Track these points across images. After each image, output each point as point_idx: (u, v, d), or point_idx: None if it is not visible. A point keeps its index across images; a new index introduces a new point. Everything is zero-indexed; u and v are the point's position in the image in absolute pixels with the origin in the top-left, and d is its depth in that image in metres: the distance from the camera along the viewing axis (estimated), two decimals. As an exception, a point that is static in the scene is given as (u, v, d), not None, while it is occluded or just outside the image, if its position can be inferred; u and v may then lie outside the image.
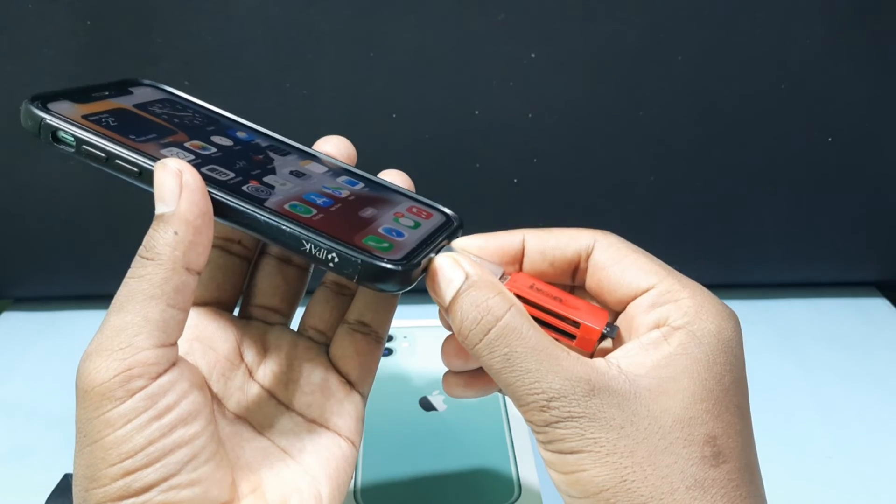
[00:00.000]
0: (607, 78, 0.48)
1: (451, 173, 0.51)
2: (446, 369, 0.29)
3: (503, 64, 0.48)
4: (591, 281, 0.27)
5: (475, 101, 0.49)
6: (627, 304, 0.26)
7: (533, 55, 0.47)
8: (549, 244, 0.27)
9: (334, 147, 0.32)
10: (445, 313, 0.25)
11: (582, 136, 0.50)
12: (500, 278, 0.26)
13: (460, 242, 0.28)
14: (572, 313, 0.26)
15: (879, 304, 0.58)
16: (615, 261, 0.26)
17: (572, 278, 0.28)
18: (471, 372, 0.28)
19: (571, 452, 0.23)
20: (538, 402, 0.23)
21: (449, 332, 0.27)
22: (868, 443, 0.45)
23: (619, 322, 0.26)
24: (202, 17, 0.46)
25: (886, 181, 0.52)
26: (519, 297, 0.26)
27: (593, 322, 0.25)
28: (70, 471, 0.42)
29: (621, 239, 0.27)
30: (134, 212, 0.53)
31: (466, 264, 0.25)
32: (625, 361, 0.24)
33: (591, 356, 0.25)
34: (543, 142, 0.50)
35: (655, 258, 0.26)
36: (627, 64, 0.48)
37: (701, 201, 0.52)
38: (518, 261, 0.27)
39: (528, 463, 0.38)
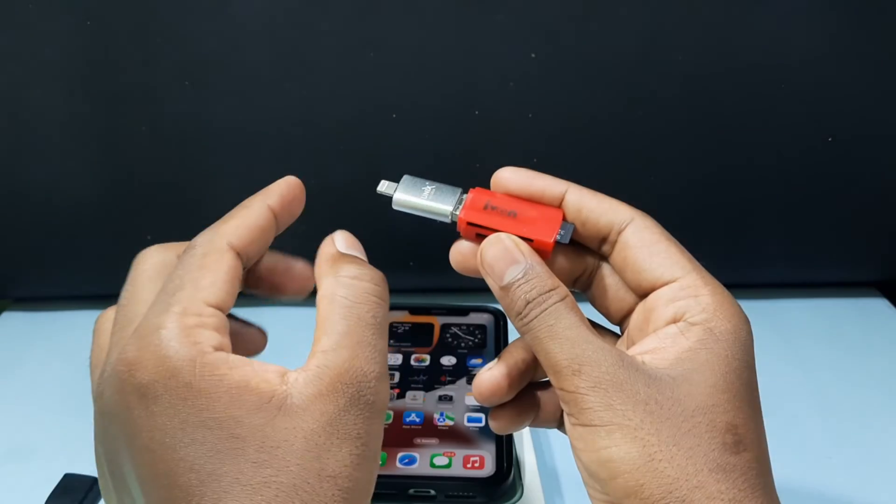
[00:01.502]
0: (607, 78, 0.48)
1: (451, 173, 0.51)
2: None
3: (503, 64, 0.48)
4: (618, 257, 0.27)
5: (475, 101, 0.49)
6: (647, 290, 0.26)
7: (533, 55, 0.47)
8: (588, 205, 0.27)
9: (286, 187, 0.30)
10: (499, 289, 0.26)
11: (582, 136, 0.50)
12: (458, 196, 0.28)
13: (505, 173, 0.28)
14: (523, 230, 0.27)
15: (879, 304, 0.58)
16: (646, 244, 0.27)
17: (599, 246, 0.28)
18: (508, 404, 0.29)
19: (601, 424, 0.23)
20: (571, 366, 0.24)
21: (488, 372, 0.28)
22: (868, 443, 0.45)
23: (639, 310, 0.27)
24: (202, 17, 0.46)
25: (886, 181, 0.52)
26: (471, 223, 0.27)
27: (544, 235, 0.27)
28: (70, 471, 0.42)
29: (658, 224, 0.27)
30: (134, 212, 0.53)
31: (526, 249, 0.26)
32: (648, 357, 0.25)
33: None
34: (543, 142, 0.50)
35: (685, 250, 0.27)
36: (627, 64, 0.48)
37: (700, 201, 0.52)
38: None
39: (529, 463, 0.38)
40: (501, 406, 0.29)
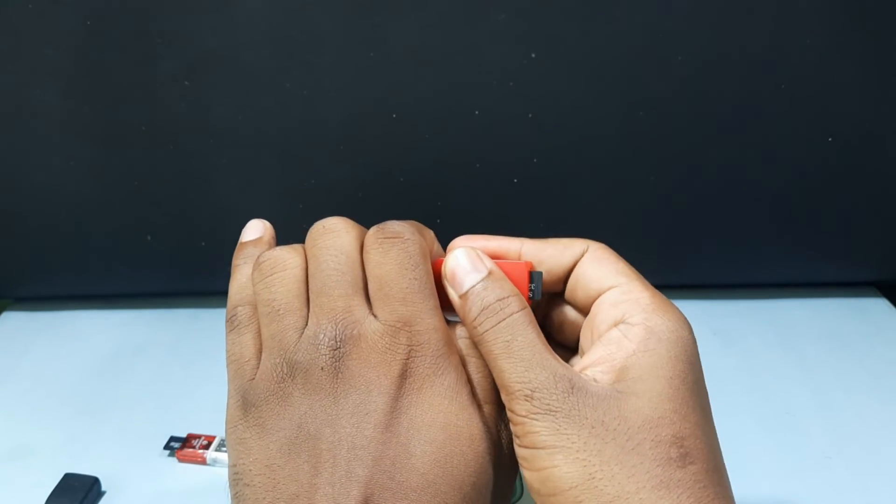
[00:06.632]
0: (607, 78, 0.48)
1: (451, 173, 0.51)
2: None
3: (503, 64, 0.48)
4: (571, 283, 0.28)
5: (475, 101, 0.49)
6: (595, 299, 0.27)
7: (533, 55, 0.47)
8: (545, 253, 0.28)
9: (256, 232, 0.31)
10: (458, 297, 0.27)
11: (582, 136, 0.50)
12: None
13: (461, 242, 0.29)
14: None
15: (879, 304, 0.58)
16: (594, 261, 0.28)
17: (564, 285, 0.29)
18: None
19: (544, 447, 0.24)
20: (524, 391, 0.24)
21: None
22: (867, 443, 0.45)
23: (587, 322, 0.28)
24: (202, 17, 0.46)
25: (886, 181, 0.52)
26: None
27: None
28: (70, 470, 0.42)
29: (611, 249, 0.28)
30: (134, 212, 0.53)
31: (488, 261, 0.27)
32: (598, 371, 0.25)
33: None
34: (543, 142, 0.50)
35: (632, 266, 0.28)
36: (628, 64, 0.48)
37: (700, 201, 0.52)
38: None
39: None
40: None
